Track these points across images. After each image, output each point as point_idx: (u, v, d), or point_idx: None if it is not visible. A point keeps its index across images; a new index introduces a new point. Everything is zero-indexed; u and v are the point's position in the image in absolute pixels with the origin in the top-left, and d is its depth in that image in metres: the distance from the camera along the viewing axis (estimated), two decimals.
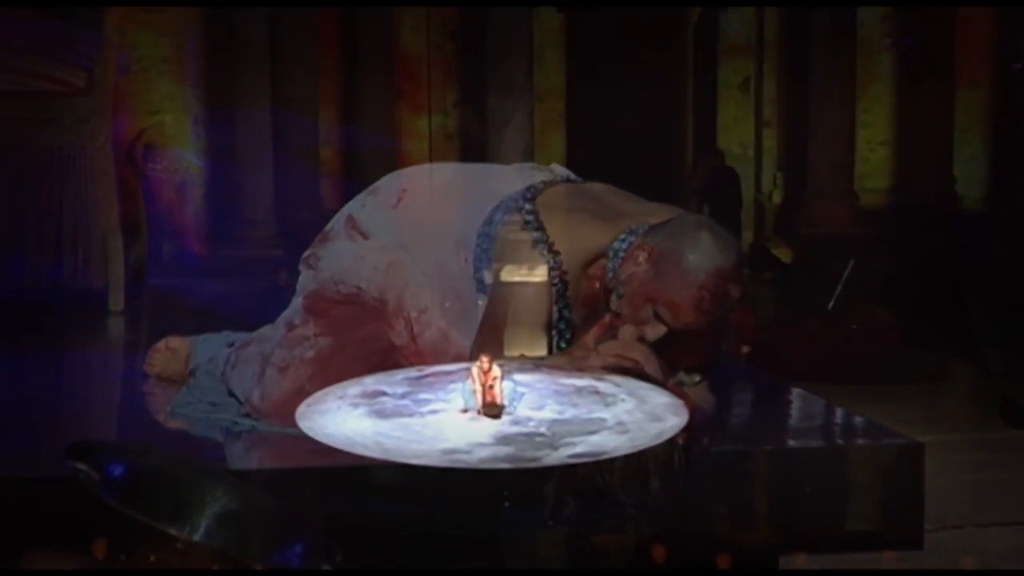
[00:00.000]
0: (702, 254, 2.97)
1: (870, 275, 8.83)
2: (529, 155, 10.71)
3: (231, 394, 3.38)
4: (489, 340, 3.03)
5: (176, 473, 2.40)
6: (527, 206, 3.16)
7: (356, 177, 10.06)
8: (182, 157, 11.01)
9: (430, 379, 2.85)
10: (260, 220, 10.90)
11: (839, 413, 3.35)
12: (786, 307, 9.66)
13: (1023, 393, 6.48)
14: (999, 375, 6.72)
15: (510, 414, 2.62)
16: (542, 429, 2.57)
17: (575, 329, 3.11)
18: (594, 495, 2.71)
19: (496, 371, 2.61)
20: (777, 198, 12.39)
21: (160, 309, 6.91)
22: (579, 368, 2.89)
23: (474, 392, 2.61)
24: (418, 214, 3.31)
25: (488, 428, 2.57)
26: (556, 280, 3.08)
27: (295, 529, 2.39)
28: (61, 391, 4.10)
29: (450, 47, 11.98)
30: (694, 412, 2.73)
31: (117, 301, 6.61)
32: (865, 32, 11.98)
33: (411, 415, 2.65)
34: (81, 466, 2.35)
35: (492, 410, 2.60)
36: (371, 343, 3.20)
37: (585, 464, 2.51)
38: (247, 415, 3.26)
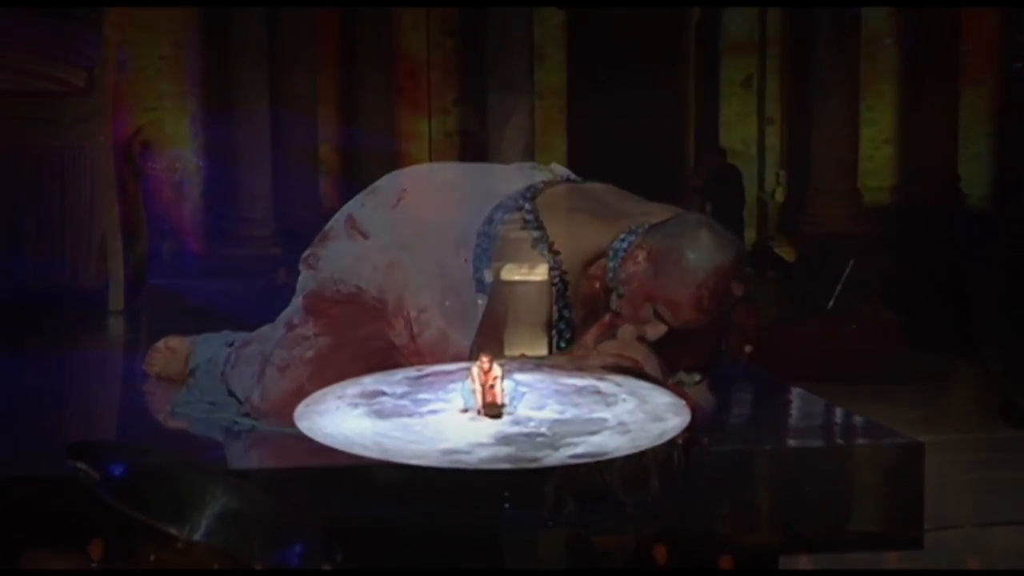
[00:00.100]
0: (701, 252, 2.97)
1: (872, 274, 8.82)
2: (530, 153, 10.69)
3: (231, 394, 3.38)
4: (489, 339, 3.03)
5: (176, 473, 2.40)
6: (527, 206, 3.16)
7: (355, 176, 10.06)
8: (180, 156, 10.99)
9: (430, 379, 2.85)
10: (259, 219, 10.88)
11: (839, 413, 3.35)
12: (789, 306, 9.64)
13: (1023, 393, 6.49)
14: (999, 375, 6.72)
15: (510, 414, 2.62)
16: (543, 429, 2.57)
17: (575, 329, 3.11)
18: (594, 495, 2.71)
19: (497, 371, 2.60)
20: (780, 196, 12.35)
21: (160, 309, 6.90)
22: (579, 368, 2.89)
23: (474, 392, 2.61)
24: (418, 214, 3.30)
25: (488, 428, 2.57)
26: (556, 280, 3.08)
27: (295, 529, 2.40)
28: (61, 391, 4.09)
29: (450, 45, 11.96)
30: (694, 412, 2.73)
31: (117, 301, 6.61)
32: (869, 29, 11.93)
33: (410, 415, 2.65)
34: (81, 466, 2.35)
35: (492, 410, 2.60)
36: (371, 343, 3.20)
37: (585, 464, 2.50)
38: (247, 414, 3.26)
